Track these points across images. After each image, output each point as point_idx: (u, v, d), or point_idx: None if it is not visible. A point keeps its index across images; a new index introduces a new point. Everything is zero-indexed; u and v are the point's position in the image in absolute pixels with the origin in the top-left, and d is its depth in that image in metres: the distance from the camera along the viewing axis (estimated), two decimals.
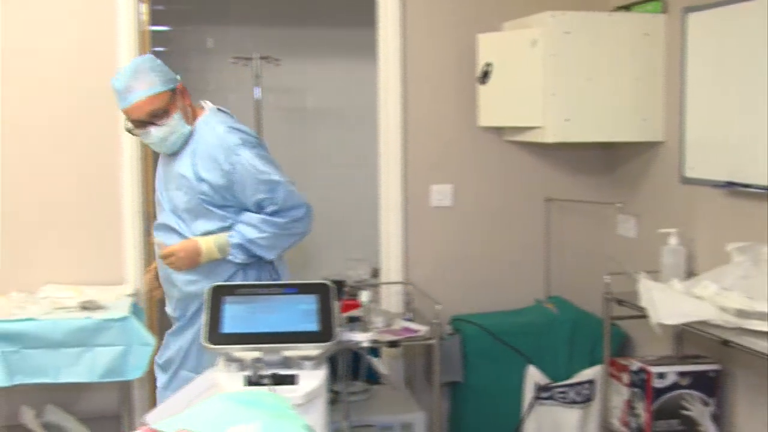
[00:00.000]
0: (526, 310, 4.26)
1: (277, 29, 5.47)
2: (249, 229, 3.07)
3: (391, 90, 4.19)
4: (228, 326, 2.63)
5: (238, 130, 3.11)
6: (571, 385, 4.01)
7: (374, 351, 3.90)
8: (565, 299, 4.26)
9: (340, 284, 3.23)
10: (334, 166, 5.70)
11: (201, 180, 3.04)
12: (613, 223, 4.33)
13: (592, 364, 4.04)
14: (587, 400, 4.01)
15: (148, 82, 2.96)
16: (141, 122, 3.01)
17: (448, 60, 4.24)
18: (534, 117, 3.91)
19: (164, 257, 3.11)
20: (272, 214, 3.09)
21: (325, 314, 2.66)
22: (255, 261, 3.14)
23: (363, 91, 5.16)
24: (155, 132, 3.02)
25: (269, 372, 2.53)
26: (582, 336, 4.06)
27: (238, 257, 3.09)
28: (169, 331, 3.27)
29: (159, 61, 3.07)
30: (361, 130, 5.46)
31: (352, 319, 3.29)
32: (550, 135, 3.86)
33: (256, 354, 2.59)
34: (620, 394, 3.74)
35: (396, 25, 4.16)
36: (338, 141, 5.68)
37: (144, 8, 4.08)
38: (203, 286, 2.99)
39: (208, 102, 3.24)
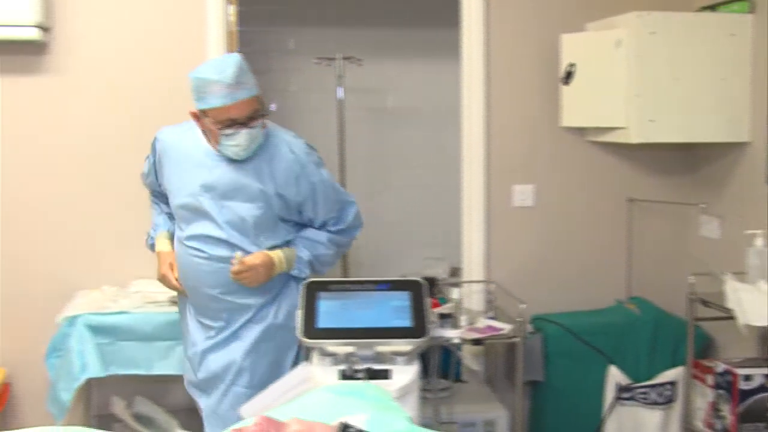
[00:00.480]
0: (608, 311, 4.26)
1: (358, 30, 5.52)
2: (317, 245, 3.12)
3: (475, 90, 4.23)
4: (323, 321, 2.70)
5: (311, 147, 3.14)
6: (652, 386, 4.00)
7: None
8: (646, 300, 4.25)
9: (431, 281, 3.26)
10: (413, 167, 5.73)
11: (279, 194, 3.01)
12: (695, 224, 4.31)
13: (674, 365, 4.02)
14: (669, 401, 4.00)
15: (252, 82, 2.91)
16: (235, 122, 2.88)
17: (531, 60, 4.26)
18: (618, 117, 3.91)
19: (240, 272, 2.96)
20: (337, 232, 3.17)
21: (417, 311, 2.71)
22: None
23: (444, 91, 5.21)
24: (246, 134, 2.90)
25: (363, 366, 2.58)
26: (664, 337, 4.05)
27: (304, 272, 3.09)
28: (204, 347, 3.12)
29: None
30: (441, 130, 5.50)
31: (443, 316, 3.33)
32: (634, 135, 3.86)
33: (350, 349, 2.65)
34: (704, 396, 3.73)
35: (480, 25, 4.19)
36: (418, 141, 5.71)
37: (232, 9, 4.17)
38: (258, 299, 3.05)
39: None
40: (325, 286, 2.84)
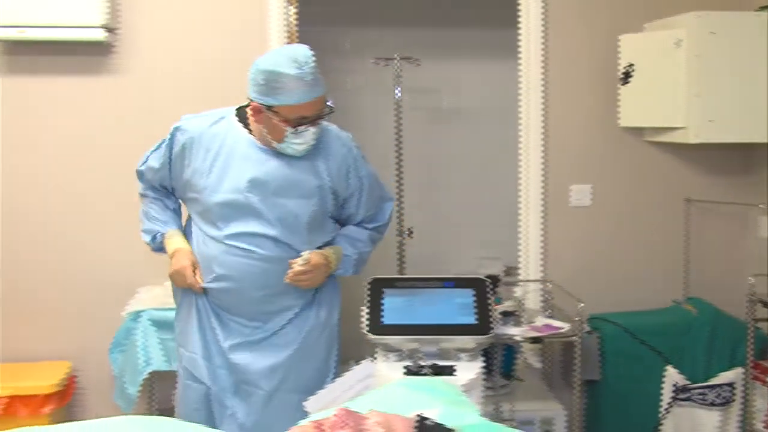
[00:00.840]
0: (665, 311, 4.25)
1: (415, 30, 5.57)
2: (358, 243, 3.02)
3: (533, 90, 4.25)
4: (388, 318, 2.73)
5: (355, 142, 3.03)
6: (710, 387, 3.99)
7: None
8: (704, 300, 4.23)
9: (494, 279, 3.29)
10: (468, 167, 5.76)
11: (333, 190, 2.90)
12: (753, 224, 4.29)
13: (731, 366, 4.00)
14: (727, 402, 3.98)
15: (320, 76, 2.73)
16: (305, 120, 2.72)
17: (588, 61, 4.28)
18: (677, 117, 3.91)
19: (303, 272, 2.80)
20: (375, 229, 3.10)
21: (482, 308, 2.74)
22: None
23: (499, 91, 5.23)
24: (314, 133, 2.76)
25: (428, 363, 2.61)
26: (722, 338, 4.03)
27: (349, 271, 3.01)
28: (231, 343, 2.93)
29: None
30: (495, 130, 5.53)
31: (505, 314, 3.36)
32: (693, 135, 3.85)
33: (414, 345, 2.68)
34: (764, 397, 3.71)
35: (539, 26, 4.21)
36: (473, 141, 5.74)
37: (292, 10, 4.24)
38: (300, 300, 2.93)
39: None
40: (390, 283, 2.88)
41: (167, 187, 3.04)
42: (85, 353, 4.11)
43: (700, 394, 3.98)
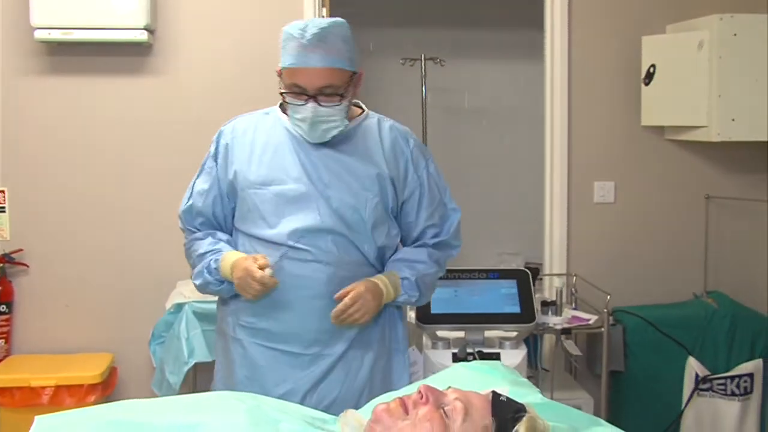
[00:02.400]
0: (686, 304, 4.38)
1: (439, 30, 5.69)
2: (416, 265, 2.59)
3: (557, 90, 4.37)
4: (436, 307, 2.86)
5: (416, 137, 2.69)
6: (730, 378, 4.11)
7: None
8: (723, 294, 4.36)
9: (534, 271, 3.41)
10: (490, 165, 5.88)
11: (393, 183, 2.56)
12: None
13: (751, 358, 4.13)
14: (746, 392, 4.10)
15: (340, 52, 2.39)
16: (304, 92, 2.41)
17: (612, 61, 4.40)
18: (699, 116, 4.04)
19: (345, 309, 2.42)
20: (436, 246, 2.66)
21: (525, 298, 2.87)
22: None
23: (522, 91, 5.36)
24: (311, 110, 2.41)
25: (475, 350, 2.73)
26: (742, 330, 4.16)
27: (414, 296, 2.58)
28: (300, 385, 2.52)
29: (350, 33, 2.46)
30: (517, 129, 5.66)
31: (545, 304, 3.48)
32: (715, 134, 3.97)
33: (461, 333, 2.81)
34: None
35: (563, 27, 4.34)
36: (496, 140, 5.86)
37: (325, 12, 4.35)
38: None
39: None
40: None
41: (218, 217, 2.64)
42: (126, 345, 4.22)
43: (720, 384, 4.10)
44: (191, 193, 2.66)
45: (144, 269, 4.23)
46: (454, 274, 3.00)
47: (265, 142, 2.54)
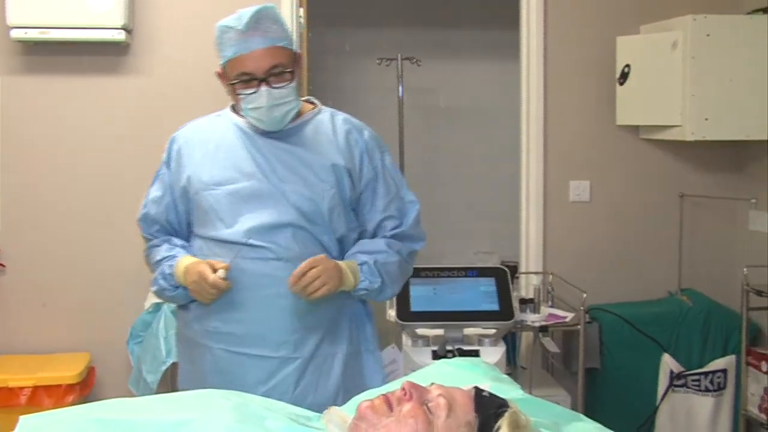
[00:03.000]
0: (661, 302, 4.43)
1: (416, 31, 5.72)
2: (375, 254, 2.50)
3: (533, 89, 4.41)
4: (416, 305, 2.88)
5: (371, 130, 2.64)
6: (704, 374, 4.16)
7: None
8: (698, 291, 4.41)
9: (513, 269, 3.44)
10: (465, 165, 5.91)
11: (350, 173, 2.50)
12: (744, 218, 4.47)
13: (724, 354, 4.19)
14: (720, 388, 4.16)
15: (278, 31, 2.39)
16: (253, 78, 2.37)
17: (587, 61, 4.44)
18: (673, 116, 4.09)
19: (303, 273, 2.32)
20: (395, 237, 2.57)
21: (504, 295, 2.90)
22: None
23: (498, 91, 5.39)
24: (266, 94, 2.36)
25: (454, 347, 2.76)
26: (716, 327, 4.21)
27: (375, 281, 2.48)
28: (266, 388, 2.41)
29: (281, 15, 2.48)
30: (493, 129, 5.70)
31: (523, 301, 3.51)
32: (689, 133, 4.02)
33: (440, 331, 2.83)
34: (759, 383, 3.89)
35: (539, 27, 4.37)
36: (472, 139, 5.90)
37: (303, 12, 4.37)
38: (326, 313, 2.49)
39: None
40: (416, 273, 3.01)
41: (173, 223, 2.61)
42: (103, 345, 4.21)
43: (694, 380, 4.15)
44: (146, 200, 2.64)
45: (122, 269, 4.21)
46: (433, 272, 3.03)
47: (217, 142, 2.51)
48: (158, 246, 2.59)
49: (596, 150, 4.48)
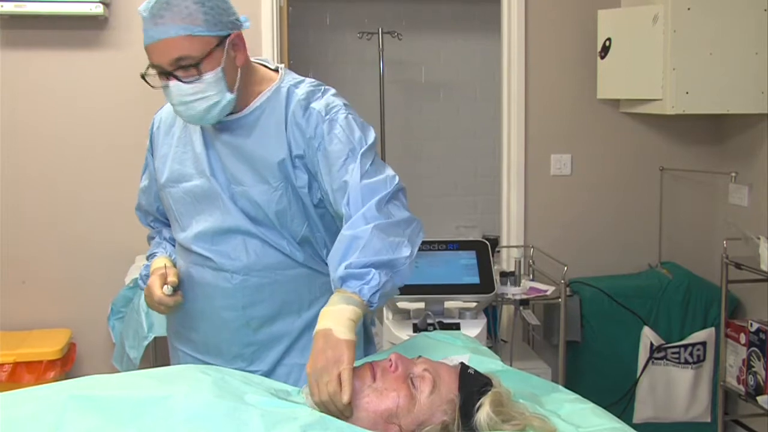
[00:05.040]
0: (641, 275, 4.45)
1: (396, 4, 5.70)
2: (354, 244, 1.90)
3: (514, 63, 4.40)
4: None
5: (340, 98, 2.23)
6: (684, 347, 4.19)
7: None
8: (677, 264, 4.43)
9: (493, 242, 3.45)
10: (446, 138, 5.92)
11: (306, 166, 2.16)
12: (725, 192, 4.49)
13: (704, 327, 4.22)
14: (699, 361, 4.20)
15: (188, 16, 2.00)
16: (161, 69, 2.06)
17: (568, 35, 4.44)
18: (654, 90, 4.09)
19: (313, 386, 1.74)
20: (369, 211, 1.98)
21: (485, 268, 2.90)
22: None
23: (480, 64, 5.39)
24: (174, 89, 2.05)
25: (435, 321, 2.77)
26: (695, 300, 4.24)
27: (382, 296, 1.88)
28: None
29: None
30: (474, 103, 5.70)
31: (504, 274, 3.52)
32: (670, 107, 4.03)
33: (421, 305, 2.84)
34: (737, 354, 3.92)
35: (520, 0, 4.36)
36: (452, 113, 5.90)
37: None
38: (293, 321, 2.24)
39: (270, 60, 2.34)
40: None
41: (163, 213, 2.46)
42: (84, 321, 4.21)
43: (674, 353, 4.18)
44: (139, 190, 2.51)
45: (102, 244, 4.20)
46: None
47: (180, 133, 2.28)
48: (152, 239, 2.50)
49: (577, 124, 4.48)
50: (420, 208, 5.78)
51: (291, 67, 4.52)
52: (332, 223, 2.21)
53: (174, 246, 2.38)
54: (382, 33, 5.25)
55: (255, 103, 2.17)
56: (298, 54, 5.19)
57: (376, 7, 5.68)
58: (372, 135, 2.17)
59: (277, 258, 2.18)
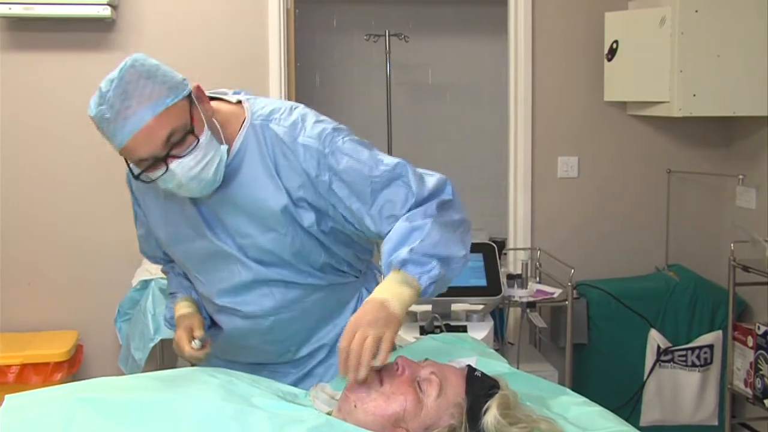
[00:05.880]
0: (648, 277, 4.44)
1: (403, 7, 5.70)
2: (412, 236, 1.90)
3: (521, 65, 4.39)
4: None
5: (318, 117, 2.07)
6: (691, 349, 4.19)
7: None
8: (684, 267, 4.42)
9: (500, 245, 3.44)
10: (453, 140, 5.91)
11: (311, 205, 2.03)
12: (732, 194, 4.48)
13: (711, 329, 4.21)
14: (706, 364, 4.19)
15: (151, 91, 1.84)
16: (149, 162, 1.89)
17: (575, 37, 4.43)
18: (661, 92, 4.08)
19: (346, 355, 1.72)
20: (415, 207, 1.99)
21: (491, 271, 2.90)
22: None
23: (487, 66, 5.39)
24: (179, 168, 1.90)
25: (442, 323, 2.77)
26: (702, 302, 4.23)
27: (430, 268, 1.87)
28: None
29: (151, 60, 1.90)
30: (480, 105, 5.69)
31: (511, 277, 3.52)
32: (677, 109, 4.02)
33: (427, 307, 2.84)
34: (744, 357, 3.91)
35: (527, 2, 4.36)
36: (459, 115, 5.89)
37: None
38: (329, 329, 2.23)
39: (226, 91, 2.16)
40: None
41: (169, 255, 2.36)
42: (91, 323, 4.22)
43: (681, 355, 4.18)
44: (137, 236, 2.42)
45: (109, 246, 4.21)
46: None
47: (158, 189, 2.03)
48: (167, 273, 2.42)
49: (584, 126, 4.48)
50: None
51: (298, 69, 4.55)
52: (349, 240, 2.14)
53: (185, 289, 2.31)
54: (389, 35, 5.26)
55: (234, 148, 2.01)
56: (304, 56, 5.20)
57: (382, 9, 5.68)
58: (375, 152, 2.07)
59: (302, 291, 2.13)
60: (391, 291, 1.81)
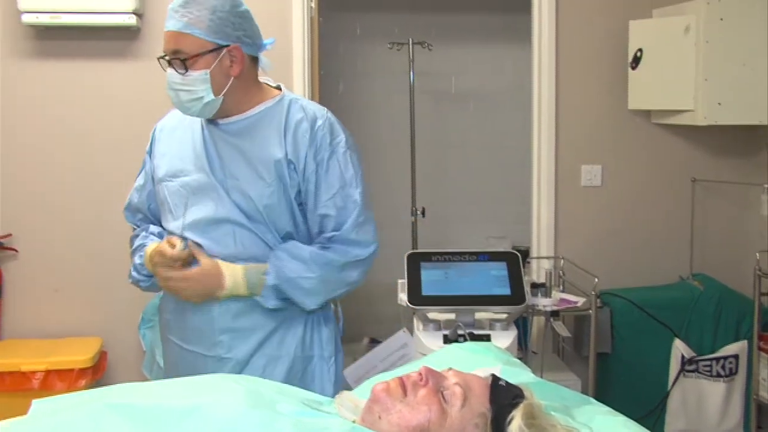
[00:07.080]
0: (672, 287, 4.42)
1: (427, 15, 5.71)
2: (293, 264, 2.39)
3: (545, 74, 4.39)
4: (427, 289, 2.88)
5: (341, 125, 2.51)
6: (716, 359, 4.16)
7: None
8: (709, 276, 4.40)
9: (524, 253, 3.44)
10: (477, 149, 5.91)
11: (296, 168, 2.41)
12: (757, 203, 4.44)
13: (736, 339, 4.18)
14: (731, 374, 4.16)
15: (196, 17, 2.31)
16: (168, 58, 2.38)
17: (599, 45, 4.42)
18: (686, 100, 4.07)
19: (170, 279, 2.40)
20: (326, 243, 2.43)
21: (515, 280, 2.90)
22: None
23: (511, 74, 5.39)
24: (169, 75, 2.37)
25: (465, 332, 2.76)
26: (727, 312, 4.20)
27: (270, 302, 2.41)
28: None
29: (242, 9, 2.43)
30: (504, 114, 5.68)
31: (535, 285, 3.51)
32: (702, 118, 4.01)
33: (451, 315, 2.83)
34: None
35: (551, 10, 4.36)
36: (482, 124, 5.88)
37: None
38: (266, 321, 2.47)
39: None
40: (427, 257, 3.03)
41: (154, 211, 2.66)
42: (115, 329, 4.24)
43: (706, 366, 4.15)
44: (132, 189, 2.71)
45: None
46: (444, 257, 3.04)
47: (182, 132, 2.53)
48: (137, 235, 2.64)
49: (608, 134, 4.47)
50: (449, 219, 5.83)
51: (321, 78, 4.57)
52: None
53: (161, 240, 2.50)
54: (413, 43, 5.26)
55: (257, 109, 2.44)
56: (328, 64, 5.21)
57: (406, 17, 5.69)
58: (362, 185, 2.46)
59: (262, 250, 2.41)
60: (236, 287, 2.37)
